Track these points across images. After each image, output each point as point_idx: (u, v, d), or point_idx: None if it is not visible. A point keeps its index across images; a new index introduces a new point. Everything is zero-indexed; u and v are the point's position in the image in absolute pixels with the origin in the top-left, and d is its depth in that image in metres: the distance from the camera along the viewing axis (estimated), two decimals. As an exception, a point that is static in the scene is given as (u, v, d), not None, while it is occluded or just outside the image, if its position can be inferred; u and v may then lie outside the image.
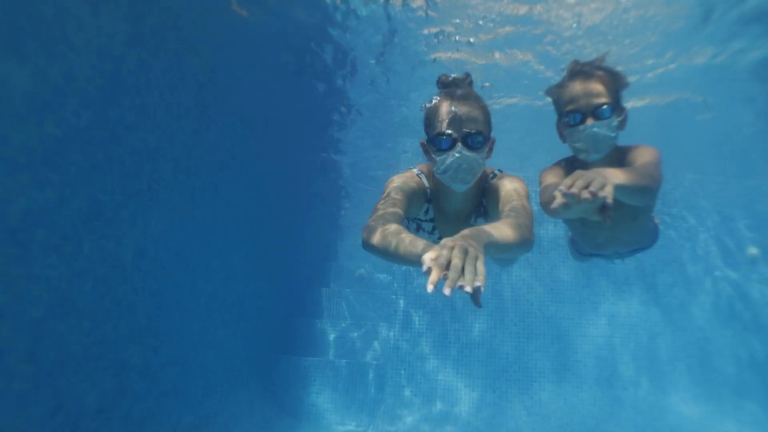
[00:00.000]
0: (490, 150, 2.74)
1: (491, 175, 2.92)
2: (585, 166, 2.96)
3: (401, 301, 8.77)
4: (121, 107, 4.89)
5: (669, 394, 8.51)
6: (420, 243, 1.94)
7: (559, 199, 1.92)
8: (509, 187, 2.68)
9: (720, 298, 9.39)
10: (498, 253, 2.04)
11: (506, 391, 8.38)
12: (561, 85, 3.00)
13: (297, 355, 8.72)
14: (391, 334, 8.70)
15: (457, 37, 7.35)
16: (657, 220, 3.73)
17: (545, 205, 2.63)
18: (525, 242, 2.21)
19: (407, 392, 8.34)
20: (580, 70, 2.89)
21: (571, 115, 2.86)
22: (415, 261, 1.87)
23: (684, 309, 9.18)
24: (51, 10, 4.08)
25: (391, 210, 2.46)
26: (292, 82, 8.90)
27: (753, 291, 9.47)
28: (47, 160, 4.01)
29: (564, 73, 3.04)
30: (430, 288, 1.50)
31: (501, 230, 2.07)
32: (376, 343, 9.00)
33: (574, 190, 1.88)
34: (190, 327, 6.18)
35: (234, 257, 7.46)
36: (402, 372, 8.48)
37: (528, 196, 2.68)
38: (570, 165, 3.17)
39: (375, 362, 8.52)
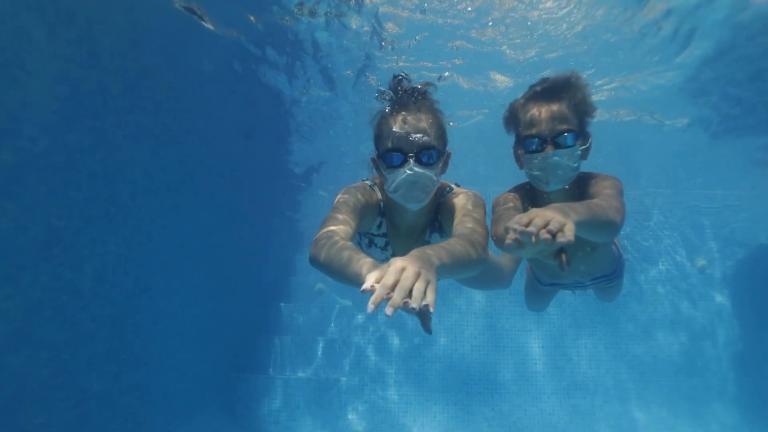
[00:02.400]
0: (445, 165, 2.59)
1: (447, 189, 2.74)
2: (545, 194, 2.73)
3: (361, 316, 8.84)
4: (78, 131, 4.80)
5: (625, 401, 8.90)
6: (367, 262, 1.80)
7: (512, 237, 1.72)
8: (465, 202, 2.53)
9: (670, 306, 9.91)
10: (450, 275, 1.95)
11: (468, 404, 8.56)
12: (521, 105, 2.67)
13: (258, 372, 8.66)
14: (353, 349, 8.76)
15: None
16: (618, 247, 3.44)
17: (497, 240, 2.37)
18: (477, 262, 2.12)
19: (369, 407, 8.41)
20: (543, 90, 2.57)
21: (529, 141, 2.54)
22: (360, 281, 1.69)
23: (636, 319, 9.64)
24: (6, 34, 3.99)
25: (340, 225, 2.29)
26: (249, 98, 8.86)
27: (701, 300, 10.04)
28: (3, 189, 3.91)
29: (526, 90, 2.71)
30: (370, 308, 1.38)
31: (453, 250, 1.95)
32: (337, 359, 9.03)
33: (531, 229, 1.65)
34: (150, 351, 6.06)
35: (194, 277, 7.36)
36: (364, 387, 8.54)
37: (484, 213, 2.54)
38: (528, 193, 2.87)
39: (336, 377, 8.55)
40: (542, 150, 2.51)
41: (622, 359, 9.25)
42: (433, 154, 2.41)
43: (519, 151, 2.72)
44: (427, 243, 2.81)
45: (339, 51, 7.22)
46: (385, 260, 2.78)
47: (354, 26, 6.67)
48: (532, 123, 2.55)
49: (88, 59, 4.95)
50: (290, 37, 6.84)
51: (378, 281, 1.48)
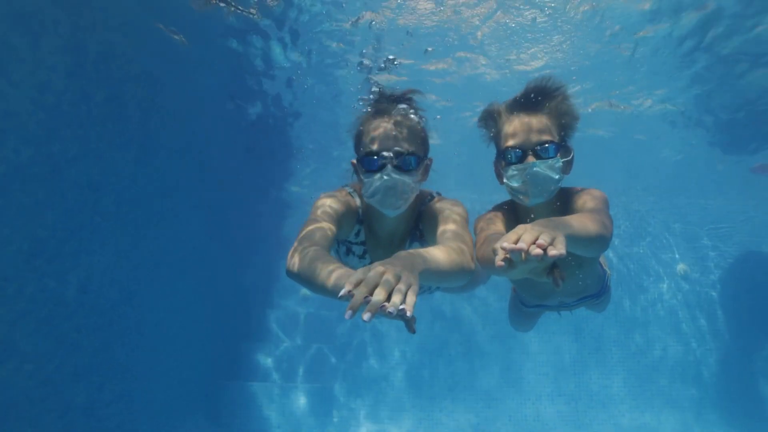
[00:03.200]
0: (426, 172, 2.55)
1: (428, 198, 2.69)
2: (527, 211, 2.64)
3: (348, 322, 8.86)
4: (62, 140, 4.77)
5: (607, 406, 9.04)
6: (343, 271, 1.72)
7: (501, 257, 1.60)
8: (447, 211, 2.47)
9: (654, 311, 10.09)
10: (433, 282, 1.88)
11: (453, 410, 8.63)
12: (500, 115, 2.60)
13: (243, 380, 8.63)
14: (338, 355, 8.77)
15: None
16: (605, 265, 3.37)
17: (484, 261, 2.24)
18: (463, 270, 2.04)
19: (354, 413, 8.43)
20: (524, 100, 2.49)
21: (509, 152, 2.45)
22: (336, 290, 1.61)
23: (621, 324, 9.80)
24: (-11, 45, 3.97)
25: (317, 234, 2.22)
26: (232, 105, 8.86)
27: (682, 306, 10.24)
28: (-13, 201, 3.88)
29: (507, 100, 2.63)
30: (348, 314, 1.31)
31: (437, 256, 1.88)
32: (322, 365, 9.04)
33: (521, 245, 1.52)
34: (135, 360, 6.03)
35: (179, 284, 7.33)
36: (348, 393, 8.56)
37: (467, 221, 2.49)
38: (510, 211, 2.77)
39: (323, 385, 8.56)
40: (522, 161, 2.43)
41: (606, 365, 9.40)
42: (412, 160, 2.37)
43: (499, 165, 2.61)
44: None
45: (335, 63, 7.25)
46: None
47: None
48: (512, 134, 2.47)
49: (72, 68, 4.93)
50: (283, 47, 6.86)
51: (356, 285, 1.42)
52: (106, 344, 5.40)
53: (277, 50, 6.98)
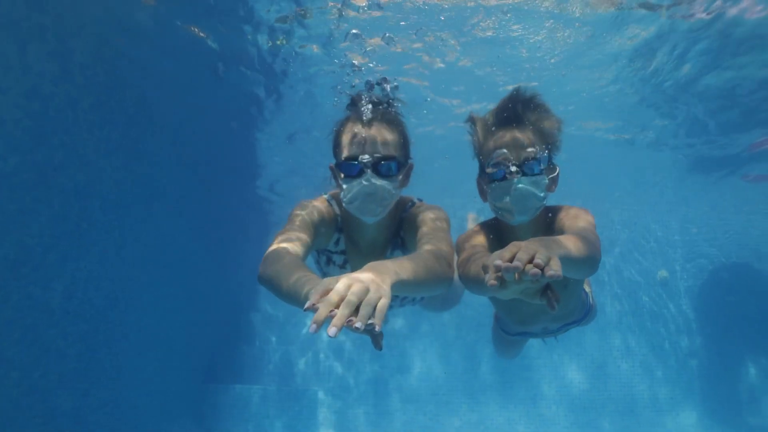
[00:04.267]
0: (407, 177, 2.49)
1: (409, 204, 2.63)
2: (512, 230, 2.56)
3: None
4: (49, 147, 4.77)
5: (588, 410, 9.20)
6: (313, 279, 1.66)
7: (494, 275, 1.49)
8: (428, 217, 2.42)
9: (633, 316, 10.30)
10: (409, 292, 1.81)
11: (437, 413, 8.73)
12: (484, 130, 2.49)
13: (228, 382, 8.64)
14: (324, 357, 8.83)
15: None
16: (588, 289, 3.27)
17: (469, 280, 2.13)
18: (441, 279, 1.98)
19: (340, 416, 8.50)
20: (509, 115, 2.39)
21: (493, 169, 2.36)
22: (304, 300, 1.54)
23: (600, 330, 9.99)
24: (-24, 53, 3.96)
25: (291, 242, 2.18)
26: (218, 107, 8.85)
27: (663, 311, 10.47)
28: (-27, 209, 3.88)
29: (489, 114, 2.51)
30: (312, 328, 1.24)
31: (412, 265, 1.80)
32: (308, 368, 9.09)
33: (516, 264, 1.42)
34: (120, 366, 6.03)
35: (164, 288, 7.33)
36: (335, 397, 8.62)
37: (449, 227, 2.45)
38: (494, 229, 2.66)
39: (307, 388, 8.61)
40: (507, 178, 2.32)
41: (586, 369, 9.56)
42: (393, 165, 2.31)
43: (483, 182, 2.52)
44: None
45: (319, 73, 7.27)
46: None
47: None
48: (496, 151, 2.36)
49: (59, 74, 4.93)
50: (265, 54, 6.89)
51: (323, 296, 1.34)
52: (92, 350, 5.40)
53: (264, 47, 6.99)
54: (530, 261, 1.43)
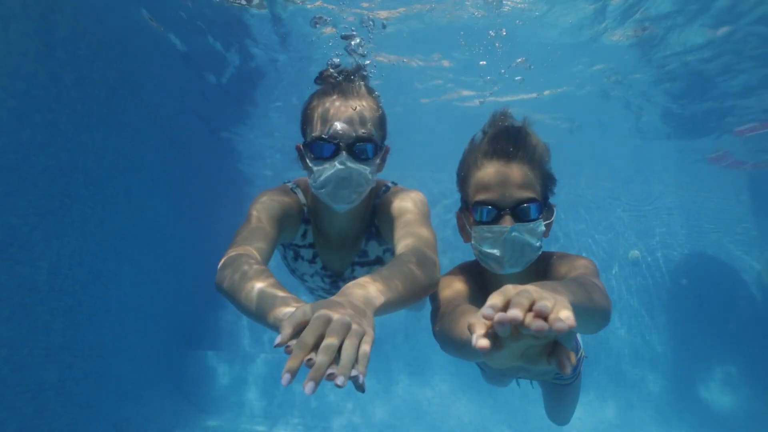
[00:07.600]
0: (383, 161, 2.27)
1: (383, 189, 2.39)
2: (498, 278, 2.09)
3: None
4: (32, 126, 4.75)
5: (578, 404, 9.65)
6: (278, 296, 1.45)
7: (482, 332, 1.00)
8: (404, 204, 2.18)
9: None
10: (395, 309, 1.59)
11: (420, 399, 9.10)
12: (472, 157, 2.03)
13: (206, 349, 8.87)
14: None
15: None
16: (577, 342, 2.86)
17: (451, 345, 1.63)
18: (429, 285, 1.79)
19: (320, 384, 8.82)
20: (503, 147, 1.92)
21: (481, 209, 1.92)
22: (270, 323, 1.39)
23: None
24: (-40, 34, 3.90)
25: (252, 243, 1.91)
26: (198, 79, 8.75)
27: (633, 296, 10.92)
28: (-39, 193, 3.91)
29: (480, 135, 2.07)
30: (285, 378, 1.02)
31: (397, 282, 1.57)
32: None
33: (514, 313, 0.93)
34: (103, 337, 6.19)
35: (144, 259, 7.43)
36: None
37: (428, 214, 2.20)
38: (477, 275, 2.20)
39: (283, 354, 8.87)
40: (497, 222, 1.90)
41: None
42: (370, 147, 2.07)
43: (466, 219, 2.07)
44: (364, 253, 2.51)
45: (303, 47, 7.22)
46: (315, 274, 2.63)
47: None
48: (485, 186, 1.92)
49: (42, 51, 4.86)
50: (247, 23, 6.81)
51: (295, 332, 1.12)
52: (76, 324, 5.53)
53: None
54: (530, 309, 0.96)
